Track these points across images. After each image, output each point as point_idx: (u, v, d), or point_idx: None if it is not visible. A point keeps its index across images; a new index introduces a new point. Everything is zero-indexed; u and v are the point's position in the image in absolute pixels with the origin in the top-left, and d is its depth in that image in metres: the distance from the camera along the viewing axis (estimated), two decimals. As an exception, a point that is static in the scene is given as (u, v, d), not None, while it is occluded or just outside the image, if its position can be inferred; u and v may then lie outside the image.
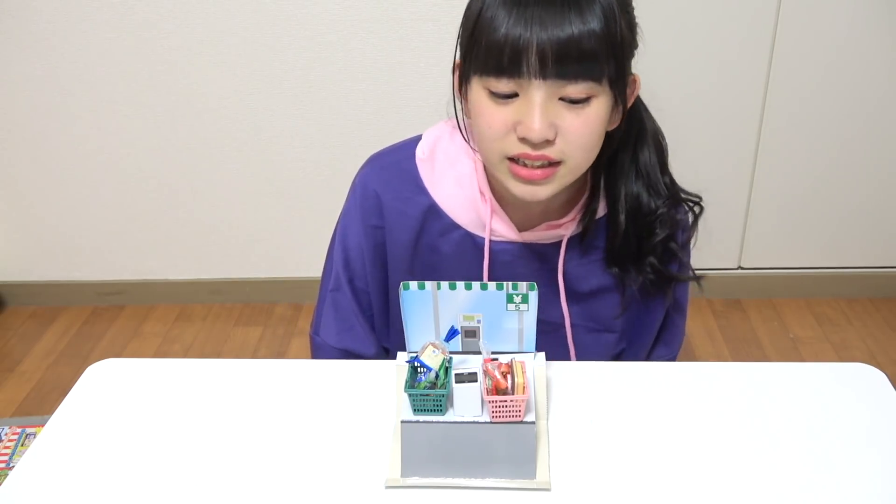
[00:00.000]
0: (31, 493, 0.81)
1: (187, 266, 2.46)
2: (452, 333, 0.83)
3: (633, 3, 0.91)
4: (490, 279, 1.00)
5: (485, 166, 0.97)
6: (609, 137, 0.92)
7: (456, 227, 1.00)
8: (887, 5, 2.03)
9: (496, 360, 0.80)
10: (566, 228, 0.99)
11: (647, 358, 1.12)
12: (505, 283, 0.81)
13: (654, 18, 2.08)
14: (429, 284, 0.81)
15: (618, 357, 1.11)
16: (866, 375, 0.94)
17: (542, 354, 0.86)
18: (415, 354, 0.81)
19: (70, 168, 2.30)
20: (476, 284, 0.81)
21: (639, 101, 0.97)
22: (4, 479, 0.83)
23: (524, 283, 0.81)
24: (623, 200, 0.97)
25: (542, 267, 1.01)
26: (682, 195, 1.02)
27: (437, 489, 0.79)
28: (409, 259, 1.03)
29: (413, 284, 0.82)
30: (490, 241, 0.99)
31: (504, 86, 0.83)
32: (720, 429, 0.86)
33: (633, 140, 0.97)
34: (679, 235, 1.03)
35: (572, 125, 0.84)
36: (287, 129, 2.22)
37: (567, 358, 1.05)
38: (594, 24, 0.80)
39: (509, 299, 0.82)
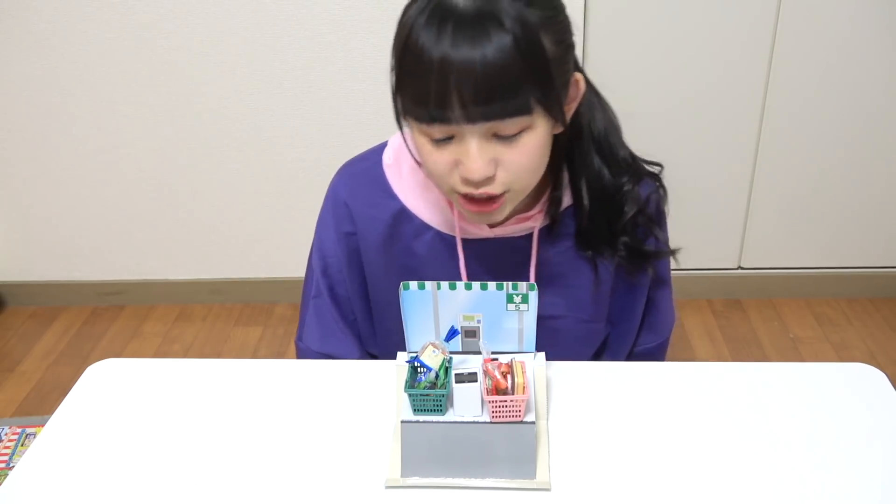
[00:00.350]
0: (31, 493, 0.81)
1: (187, 266, 2.46)
2: (452, 333, 0.83)
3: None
4: (468, 276, 1.01)
5: None
6: (559, 137, 0.91)
7: (427, 227, 1.01)
8: (887, 5, 2.03)
9: (496, 360, 0.80)
10: (535, 220, 0.99)
11: (635, 346, 1.12)
12: (505, 283, 0.81)
13: (655, 18, 2.08)
14: (429, 284, 0.81)
15: (603, 344, 1.11)
16: (866, 375, 0.94)
17: (542, 354, 0.86)
18: (415, 354, 0.81)
19: (70, 168, 2.30)
20: (476, 284, 0.81)
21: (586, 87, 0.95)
22: (4, 479, 0.83)
23: (524, 283, 0.81)
24: (585, 186, 0.97)
25: (517, 259, 1.01)
26: (645, 168, 1.02)
27: (437, 489, 0.79)
28: (384, 263, 1.04)
29: (413, 284, 0.82)
30: (462, 239, 1.00)
31: (438, 132, 0.82)
32: (720, 429, 0.86)
33: (587, 127, 0.96)
34: (651, 208, 1.02)
35: (511, 158, 0.84)
36: (287, 129, 2.22)
37: (546, 348, 1.06)
38: (509, 58, 0.78)
39: (509, 299, 0.82)
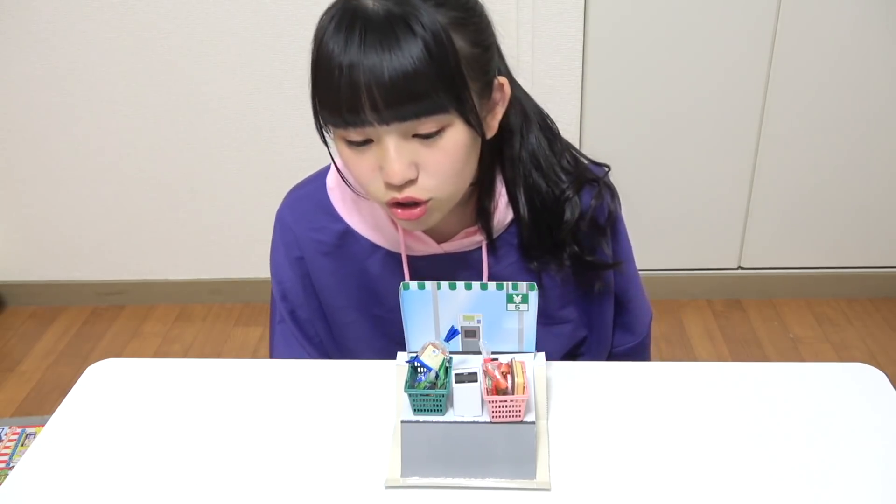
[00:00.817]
0: (31, 493, 0.81)
1: (187, 266, 2.46)
2: (452, 333, 0.83)
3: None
4: None
5: None
6: (492, 142, 0.90)
7: (376, 248, 1.00)
8: (887, 5, 2.03)
9: (496, 360, 0.80)
10: (481, 234, 0.98)
11: (613, 347, 1.11)
12: (505, 283, 0.81)
13: (655, 19, 2.08)
14: (429, 284, 0.81)
15: (580, 345, 1.09)
16: (866, 375, 0.94)
17: (542, 354, 0.86)
18: (415, 354, 0.81)
19: (70, 168, 2.30)
20: (476, 284, 0.81)
21: (515, 93, 0.93)
22: (4, 479, 0.83)
23: (524, 283, 0.81)
24: (522, 198, 0.96)
25: (470, 274, 1.00)
26: (588, 174, 0.99)
27: (437, 489, 0.79)
28: (336, 285, 1.03)
29: (413, 284, 0.82)
30: (412, 256, 0.99)
31: (356, 135, 0.82)
32: (720, 429, 0.86)
33: (518, 134, 0.95)
34: (601, 217, 1.00)
35: (431, 160, 0.82)
36: (287, 129, 2.22)
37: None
38: (418, 62, 0.77)
39: (509, 299, 0.82)
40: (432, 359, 0.81)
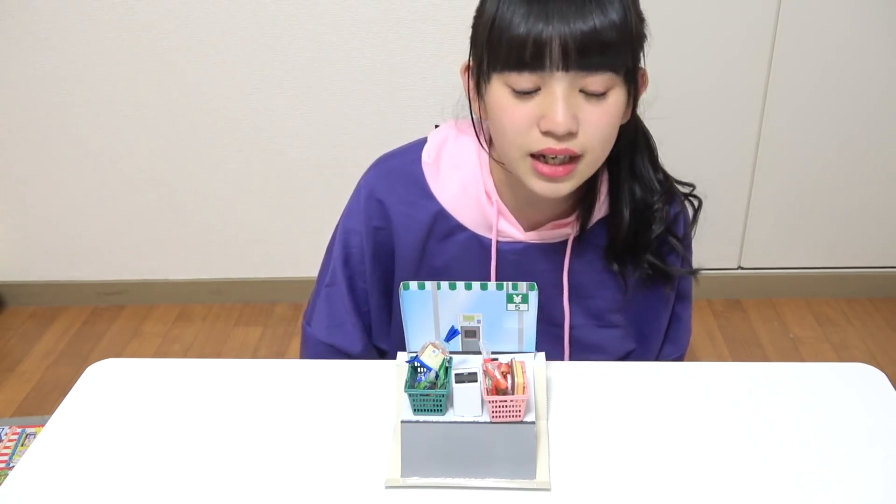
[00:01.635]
0: (31, 493, 0.81)
1: (187, 266, 2.46)
2: (452, 333, 0.83)
3: (641, 3, 0.92)
4: (498, 279, 1.01)
5: (491, 165, 0.98)
6: (616, 146, 0.92)
7: (462, 228, 1.01)
8: (887, 5, 2.03)
9: (496, 360, 0.80)
10: (571, 227, 1.00)
11: (657, 357, 1.12)
12: (505, 283, 0.81)
13: (655, 18, 2.08)
14: (429, 284, 0.81)
15: (626, 357, 1.11)
16: (866, 375, 0.94)
17: (542, 354, 0.86)
18: (415, 354, 0.81)
19: (70, 168, 2.30)
20: (476, 284, 0.81)
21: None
22: (4, 479, 0.83)
23: (524, 283, 0.81)
24: (626, 198, 0.98)
25: (548, 266, 1.01)
26: (678, 188, 1.03)
27: (437, 489, 0.79)
28: (416, 261, 1.04)
29: (413, 284, 0.82)
30: (497, 241, 1.00)
31: (526, 81, 0.83)
32: (720, 429, 0.86)
33: (630, 139, 0.98)
34: (679, 229, 1.03)
35: (592, 117, 0.85)
36: (287, 129, 2.22)
37: (569, 356, 1.06)
38: (614, 15, 0.81)
39: (509, 299, 0.82)
40: (432, 359, 0.81)
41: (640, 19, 0.89)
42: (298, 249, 2.39)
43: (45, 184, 2.33)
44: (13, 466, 1.25)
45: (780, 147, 2.21)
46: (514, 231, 0.99)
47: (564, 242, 1.01)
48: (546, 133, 0.84)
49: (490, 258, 1.00)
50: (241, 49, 2.12)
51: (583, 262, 1.02)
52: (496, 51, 0.84)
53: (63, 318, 2.46)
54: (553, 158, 0.86)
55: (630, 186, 0.98)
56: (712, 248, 2.38)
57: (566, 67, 0.81)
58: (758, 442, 0.84)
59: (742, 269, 2.41)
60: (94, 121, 2.22)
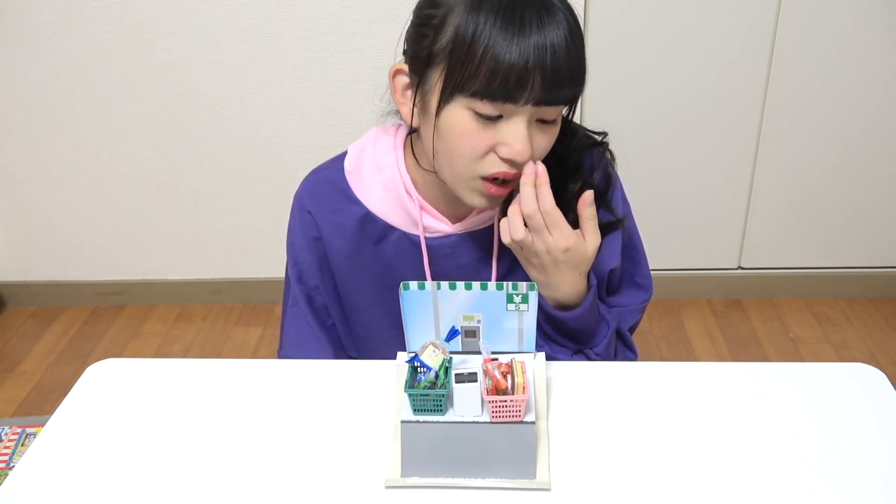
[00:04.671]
0: (31, 493, 0.81)
1: (187, 266, 2.46)
2: (453, 333, 0.83)
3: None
4: (433, 274, 1.03)
5: (407, 164, 1.00)
6: None
7: (392, 229, 1.03)
8: (887, 5, 2.03)
9: (496, 360, 0.80)
10: (494, 210, 1.00)
11: (627, 305, 1.09)
12: (505, 283, 0.81)
13: (655, 19, 2.08)
14: (429, 284, 0.82)
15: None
16: (866, 375, 0.94)
17: (542, 354, 0.86)
18: (415, 354, 0.81)
19: (70, 168, 2.30)
20: (476, 284, 0.82)
21: None
22: (4, 479, 0.83)
23: (524, 283, 0.81)
24: None
25: (481, 253, 1.03)
26: (587, 140, 1.03)
27: (437, 489, 0.79)
28: (353, 268, 1.06)
29: (413, 284, 0.82)
30: (426, 237, 1.02)
31: (494, 109, 0.85)
32: (720, 429, 0.86)
33: None
34: (598, 178, 1.02)
35: (542, 141, 0.90)
36: (287, 129, 2.22)
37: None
38: (576, 49, 0.84)
39: (509, 299, 0.82)
40: (432, 359, 0.81)
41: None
42: (298, 249, 2.39)
43: (45, 184, 2.33)
44: (13, 466, 1.25)
45: (780, 147, 2.22)
46: (441, 225, 1.01)
47: (492, 226, 1.02)
48: (505, 160, 0.88)
49: (422, 254, 1.02)
50: (241, 49, 2.12)
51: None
52: (471, 74, 0.83)
53: (63, 318, 2.46)
54: (505, 181, 0.89)
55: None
56: (712, 248, 2.38)
57: (537, 102, 0.84)
58: (758, 442, 0.84)
59: (742, 269, 2.41)
60: (94, 121, 2.22)
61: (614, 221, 1.03)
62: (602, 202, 1.02)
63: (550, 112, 0.87)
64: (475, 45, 0.82)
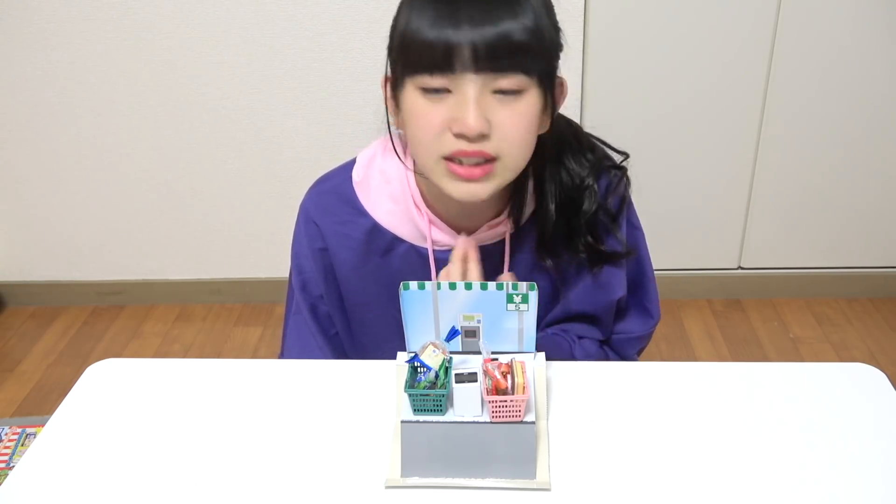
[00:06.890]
0: (31, 493, 0.81)
1: (187, 266, 2.46)
2: (453, 333, 0.83)
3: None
4: None
5: (416, 177, 0.99)
6: (539, 142, 0.92)
7: (400, 241, 1.02)
8: (887, 5, 2.03)
9: (496, 360, 0.80)
10: (505, 226, 1.00)
11: (631, 333, 1.09)
12: (505, 283, 0.81)
13: (655, 19, 2.08)
14: (429, 284, 0.81)
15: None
16: (866, 375, 0.94)
17: (542, 354, 0.86)
18: (415, 354, 0.81)
19: (70, 168, 2.30)
20: (476, 284, 0.82)
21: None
22: (4, 479, 0.83)
23: (524, 283, 0.81)
24: (551, 190, 0.98)
25: (489, 267, 1.01)
26: (606, 161, 1.02)
27: (437, 489, 0.79)
28: (360, 280, 1.05)
29: (413, 284, 0.82)
30: (434, 250, 1.00)
31: (437, 81, 0.84)
32: (720, 429, 0.86)
33: (555, 138, 0.97)
34: (614, 203, 1.01)
35: (506, 119, 0.84)
36: (287, 129, 2.22)
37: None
38: (525, 20, 0.82)
39: (509, 299, 0.82)
40: (432, 359, 0.81)
41: (556, 28, 0.88)
42: (298, 249, 2.39)
43: (45, 184, 2.33)
44: (13, 466, 1.25)
45: (780, 147, 2.21)
46: (448, 238, 0.99)
47: (503, 242, 1.01)
48: (458, 135, 0.84)
49: (430, 267, 1.01)
50: (241, 49, 2.11)
51: (524, 258, 1.02)
52: (407, 56, 0.85)
53: (63, 318, 2.46)
54: (467, 160, 0.86)
55: (556, 177, 0.97)
56: (712, 248, 2.38)
57: (476, 70, 0.82)
58: (758, 442, 0.84)
59: (742, 269, 2.41)
60: (94, 121, 2.22)
61: (621, 252, 1.02)
62: (612, 228, 1.01)
63: (506, 82, 0.83)
64: (410, 23, 0.83)
